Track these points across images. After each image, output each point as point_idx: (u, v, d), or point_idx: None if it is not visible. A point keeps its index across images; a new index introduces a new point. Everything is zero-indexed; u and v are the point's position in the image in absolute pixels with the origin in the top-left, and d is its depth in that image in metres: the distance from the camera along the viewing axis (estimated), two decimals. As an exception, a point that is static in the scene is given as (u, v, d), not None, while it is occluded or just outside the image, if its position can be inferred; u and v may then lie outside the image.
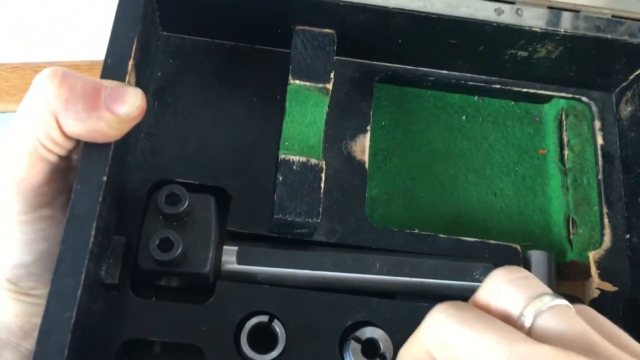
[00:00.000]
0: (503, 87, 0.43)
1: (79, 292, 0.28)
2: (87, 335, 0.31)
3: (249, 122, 0.39)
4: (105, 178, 0.30)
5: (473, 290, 0.36)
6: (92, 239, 0.29)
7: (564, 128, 0.43)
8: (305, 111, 0.38)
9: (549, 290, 0.25)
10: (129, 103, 0.30)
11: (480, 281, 0.37)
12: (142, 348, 0.34)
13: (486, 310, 0.25)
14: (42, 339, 0.27)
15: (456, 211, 0.42)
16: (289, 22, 0.38)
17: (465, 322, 0.23)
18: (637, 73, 0.41)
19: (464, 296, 0.36)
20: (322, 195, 0.35)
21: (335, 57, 0.38)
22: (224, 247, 0.35)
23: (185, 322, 0.34)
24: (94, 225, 0.29)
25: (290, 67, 0.37)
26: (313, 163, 0.36)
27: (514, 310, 0.24)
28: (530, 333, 0.23)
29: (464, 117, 0.44)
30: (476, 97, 0.45)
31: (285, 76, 0.38)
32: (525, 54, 0.40)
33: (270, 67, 0.40)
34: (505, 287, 0.25)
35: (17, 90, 0.60)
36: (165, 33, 0.40)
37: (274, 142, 0.38)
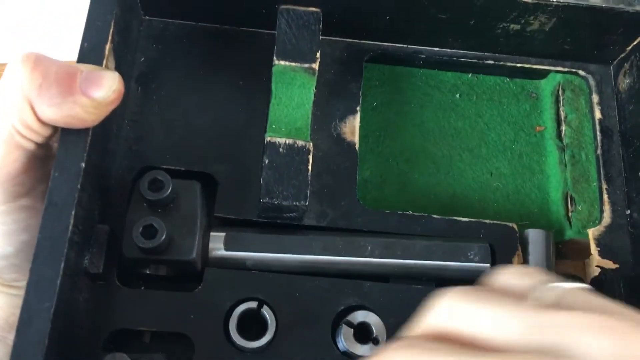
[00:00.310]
0: (497, 62, 0.42)
1: (59, 281, 0.28)
2: (72, 325, 0.31)
3: (235, 106, 0.38)
4: (83, 165, 0.30)
5: (468, 270, 0.36)
6: (71, 227, 0.29)
7: (561, 103, 0.42)
8: (292, 93, 0.37)
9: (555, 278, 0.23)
10: (106, 87, 0.29)
11: (475, 261, 0.36)
12: (130, 338, 0.33)
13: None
14: (21, 329, 0.27)
15: (451, 192, 0.41)
16: (273, 2, 0.37)
17: (472, 304, 0.21)
18: (634, 44, 0.39)
19: (458, 277, 0.36)
20: (309, 178, 0.34)
21: (321, 37, 0.37)
22: (211, 233, 0.34)
23: (174, 311, 0.33)
24: (73, 213, 0.29)
25: (275, 47, 0.36)
26: (300, 145, 0.35)
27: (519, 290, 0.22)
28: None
29: (457, 96, 0.43)
30: (470, 75, 0.43)
31: (271, 58, 0.37)
32: (517, 27, 0.39)
33: (256, 49, 0.39)
34: (513, 277, 0.23)
35: None
36: (147, 17, 0.39)
37: (261, 126, 0.37)
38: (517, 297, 0.22)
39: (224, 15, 0.39)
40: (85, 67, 0.30)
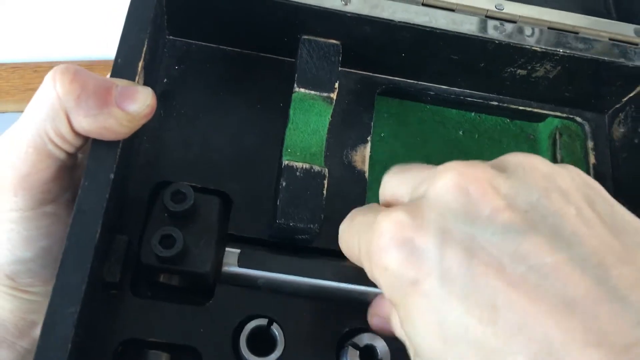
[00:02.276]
0: (501, 104, 0.44)
1: (84, 287, 0.28)
2: (88, 332, 0.31)
3: (251, 128, 0.39)
4: (112, 175, 0.30)
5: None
6: (98, 235, 0.29)
7: (558, 146, 0.44)
8: (309, 119, 0.39)
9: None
10: (140, 101, 0.30)
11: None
12: (140, 348, 0.34)
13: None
14: (45, 333, 0.27)
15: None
16: (295, 32, 0.39)
17: (398, 172, 0.29)
18: (630, 95, 0.42)
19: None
20: (324, 202, 0.36)
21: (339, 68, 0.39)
22: (226, 249, 0.35)
23: (184, 323, 0.34)
24: (101, 221, 0.30)
25: (296, 75, 0.38)
26: (316, 170, 0.36)
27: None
28: None
29: (461, 132, 0.45)
30: (473, 114, 0.46)
31: (289, 84, 0.38)
32: (524, 72, 0.41)
33: (275, 75, 0.41)
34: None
35: (17, 91, 0.59)
36: (171, 37, 0.41)
37: (276, 149, 0.39)
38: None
39: (246, 40, 0.41)
40: (120, 82, 0.31)
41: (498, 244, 0.23)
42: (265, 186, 0.38)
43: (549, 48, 0.39)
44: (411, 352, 0.26)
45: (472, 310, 0.22)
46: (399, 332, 0.28)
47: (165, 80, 0.40)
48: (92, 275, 0.29)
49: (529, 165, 0.25)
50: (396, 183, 0.29)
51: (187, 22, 0.40)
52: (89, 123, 0.30)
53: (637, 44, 0.40)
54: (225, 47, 0.41)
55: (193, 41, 0.41)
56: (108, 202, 0.30)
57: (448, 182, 0.24)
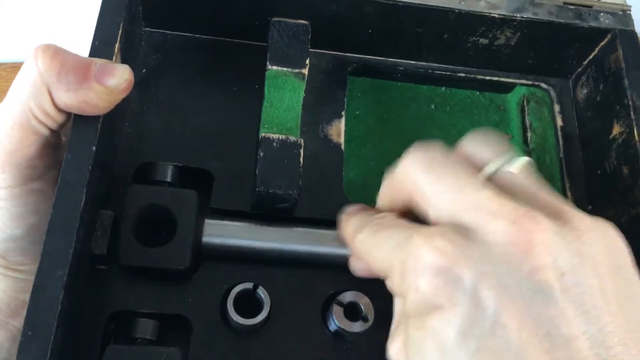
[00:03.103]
0: (468, 75, 0.46)
1: (71, 252, 0.29)
2: (78, 303, 0.32)
3: (229, 109, 0.41)
4: (94, 148, 0.32)
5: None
6: (82, 203, 0.31)
7: (526, 113, 0.46)
8: (283, 96, 0.40)
9: (513, 150, 0.29)
10: (118, 76, 0.32)
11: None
12: (129, 319, 0.35)
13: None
14: (35, 294, 0.28)
15: (429, 192, 0.44)
16: (265, 15, 0.41)
17: (428, 167, 0.28)
18: (590, 58, 0.44)
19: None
20: (301, 170, 0.37)
21: (310, 50, 0.41)
22: (206, 220, 0.36)
23: (172, 294, 0.35)
24: (85, 190, 0.31)
25: (268, 54, 0.40)
26: (292, 140, 0.38)
27: (480, 161, 0.29)
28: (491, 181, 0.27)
29: (432, 106, 0.47)
30: (444, 88, 0.47)
31: (263, 68, 0.40)
32: (486, 41, 0.43)
33: (249, 59, 0.43)
34: (478, 143, 0.30)
35: None
36: (147, 29, 0.42)
37: (254, 127, 0.40)
38: (471, 168, 0.28)
39: (219, 27, 0.42)
40: (99, 60, 0.33)
41: (527, 302, 0.24)
42: (246, 162, 0.39)
43: (507, 14, 0.41)
44: (400, 338, 0.28)
45: (483, 352, 0.24)
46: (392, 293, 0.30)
47: (143, 70, 0.41)
48: (78, 243, 0.31)
49: (586, 226, 0.26)
50: (426, 180, 0.28)
51: (162, 13, 0.42)
52: (70, 97, 0.31)
53: (590, 6, 0.42)
54: (200, 36, 0.43)
55: (169, 31, 0.43)
56: (91, 174, 0.32)
57: (500, 227, 0.25)
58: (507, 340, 0.24)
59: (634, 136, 0.38)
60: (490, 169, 0.28)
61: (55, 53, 0.31)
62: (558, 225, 0.25)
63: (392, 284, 0.28)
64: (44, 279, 0.29)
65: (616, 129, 0.40)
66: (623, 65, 0.40)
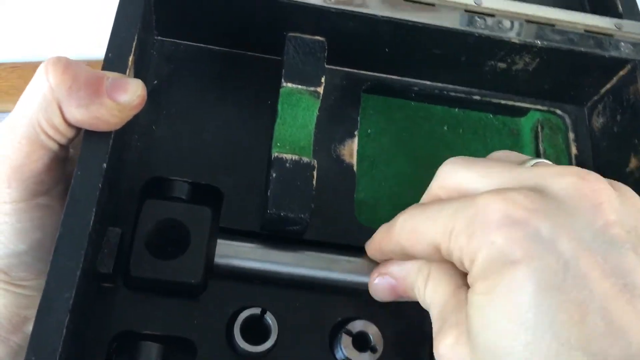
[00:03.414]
0: (483, 98, 0.45)
1: (78, 273, 0.28)
2: (82, 323, 0.31)
3: (241, 124, 0.40)
4: (105, 165, 0.31)
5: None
6: (91, 223, 0.30)
7: (540, 139, 0.45)
8: (297, 114, 0.39)
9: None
10: (131, 91, 0.31)
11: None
12: (134, 340, 0.34)
13: None
14: (40, 317, 0.27)
15: (440, 215, 0.43)
16: (281, 30, 0.40)
17: (470, 165, 0.29)
18: (607, 87, 0.43)
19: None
20: (314, 192, 0.36)
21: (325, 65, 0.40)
22: (218, 240, 0.36)
23: (178, 315, 0.34)
24: (94, 209, 0.30)
25: (283, 71, 0.39)
26: (305, 161, 0.37)
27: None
28: None
29: (445, 128, 0.46)
30: (457, 110, 0.47)
31: (276, 82, 0.39)
32: (504, 65, 0.42)
33: (262, 73, 0.42)
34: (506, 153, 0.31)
35: (16, 90, 0.59)
36: (160, 38, 0.41)
37: (265, 144, 0.39)
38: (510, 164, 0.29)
39: (233, 39, 0.41)
40: (111, 74, 0.32)
41: (604, 254, 0.24)
42: (256, 180, 0.38)
43: (528, 40, 0.40)
44: (451, 333, 0.27)
45: (565, 305, 0.23)
46: (424, 300, 0.30)
47: (155, 81, 0.40)
48: (86, 263, 0.30)
49: (630, 194, 0.27)
50: (471, 176, 0.29)
51: (175, 23, 0.41)
52: (81, 113, 0.30)
53: (612, 35, 0.41)
54: (213, 47, 0.42)
55: (182, 41, 0.42)
56: (101, 191, 0.31)
57: (570, 182, 0.26)
58: (590, 291, 0.23)
59: (653, 172, 0.38)
60: (530, 162, 0.29)
61: (67, 67, 0.30)
62: (620, 192, 0.26)
63: (451, 251, 0.27)
64: (50, 302, 0.28)
65: (633, 163, 0.40)
66: (643, 97, 0.40)
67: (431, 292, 0.30)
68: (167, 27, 0.41)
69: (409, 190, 0.43)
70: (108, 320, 0.33)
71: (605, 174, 0.42)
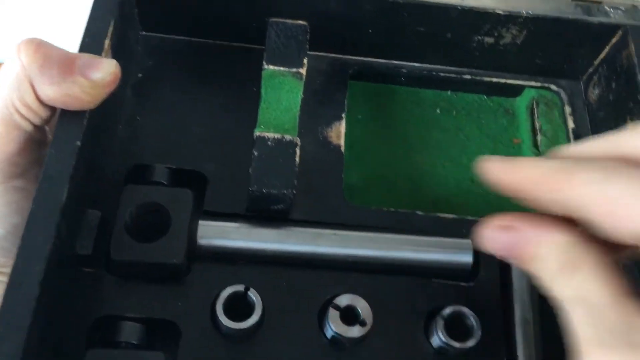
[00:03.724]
0: (474, 77, 0.44)
1: (49, 247, 0.28)
2: (60, 305, 0.31)
3: (226, 112, 0.40)
4: (79, 143, 0.31)
5: (449, 264, 0.37)
6: (64, 199, 0.29)
7: (536, 116, 0.44)
8: (281, 97, 0.39)
9: None
10: (103, 70, 0.31)
11: (457, 256, 0.37)
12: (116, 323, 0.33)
13: None
14: (10, 290, 0.27)
15: (434, 197, 0.42)
16: (262, 16, 0.40)
17: None
18: (601, 57, 0.42)
19: (439, 268, 0.37)
20: (297, 169, 0.35)
21: (309, 53, 0.40)
22: (200, 222, 0.35)
23: (161, 298, 0.34)
24: (67, 186, 0.30)
25: (265, 54, 0.39)
26: (288, 139, 0.36)
27: None
28: None
29: (438, 111, 0.45)
30: (449, 92, 0.46)
31: (261, 70, 0.39)
32: (491, 40, 0.41)
33: (247, 62, 0.41)
34: None
35: None
36: (144, 33, 0.42)
37: (250, 130, 0.39)
38: None
39: (217, 30, 0.42)
40: (84, 54, 0.32)
41: None
42: (241, 165, 0.38)
43: (512, 10, 0.39)
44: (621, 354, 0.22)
45: None
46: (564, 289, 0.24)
47: (139, 74, 0.41)
48: (59, 240, 0.29)
49: None
50: None
51: (159, 17, 0.41)
52: (54, 91, 0.30)
53: (599, 2, 0.40)
54: (197, 39, 0.42)
55: (166, 35, 0.42)
56: (75, 169, 0.30)
57: None
58: None
59: (649, 132, 0.36)
60: None
61: (39, 46, 0.30)
62: None
63: None
64: (19, 275, 0.27)
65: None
66: (635, 60, 0.38)
67: (587, 283, 0.23)
68: (151, 21, 0.41)
69: (402, 174, 0.42)
70: (90, 305, 0.33)
71: (604, 145, 0.41)
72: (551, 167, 0.25)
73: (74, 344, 0.32)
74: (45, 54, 0.30)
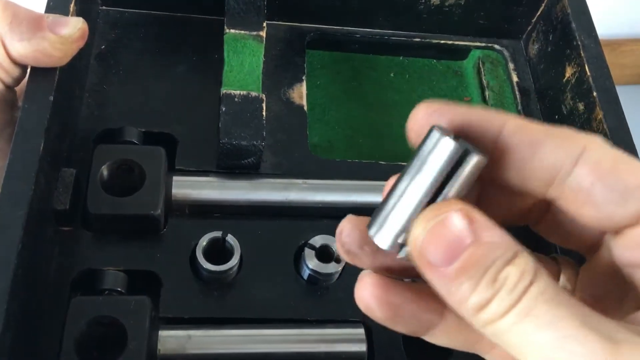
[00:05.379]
0: (423, 40, 0.47)
1: (31, 194, 0.29)
2: (40, 263, 0.31)
3: (190, 78, 0.41)
4: (52, 98, 0.32)
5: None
6: (41, 149, 0.30)
7: (483, 73, 0.47)
8: (243, 60, 0.40)
9: None
10: (71, 25, 0.32)
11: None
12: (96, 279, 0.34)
13: None
14: (-5, 235, 0.27)
15: (393, 153, 0.44)
16: (220, -15, 0.42)
17: None
18: (538, 14, 0.46)
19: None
20: (264, 122, 0.37)
21: (267, 22, 0.41)
22: (174, 177, 0.36)
23: (141, 252, 0.34)
24: (43, 138, 0.30)
25: (225, 19, 0.40)
26: (253, 95, 0.38)
27: None
28: None
29: (392, 75, 0.48)
30: (401, 57, 0.48)
31: (221, 39, 0.40)
32: (437, 1, 0.44)
33: (207, 33, 0.43)
34: None
35: None
36: (104, 7, 0.43)
37: (215, 94, 0.40)
38: None
39: (175, 3, 0.43)
40: (51, 14, 0.33)
41: None
42: (209, 126, 0.39)
43: (455, -29, 0.42)
44: None
45: None
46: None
47: (102, 46, 0.41)
48: (39, 191, 0.30)
49: None
50: None
51: (117, -9, 0.42)
52: (24, 47, 0.31)
53: (533, -38, 0.44)
54: (157, 12, 0.43)
55: (125, 9, 0.43)
56: (50, 123, 0.31)
57: None
58: None
59: (586, 72, 0.39)
60: None
61: (6, 5, 0.31)
62: None
63: None
64: (3, 220, 0.28)
65: (569, 71, 0.41)
66: (569, 10, 0.42)
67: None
68: (110, -5, 0.42)
69: (362, 133, 0.45)
70: (70, 260, 0.33)
71: (545, 94, 0.44)
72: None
73: (58, 294, 0.32)
74: (13, 11, 0.31)
